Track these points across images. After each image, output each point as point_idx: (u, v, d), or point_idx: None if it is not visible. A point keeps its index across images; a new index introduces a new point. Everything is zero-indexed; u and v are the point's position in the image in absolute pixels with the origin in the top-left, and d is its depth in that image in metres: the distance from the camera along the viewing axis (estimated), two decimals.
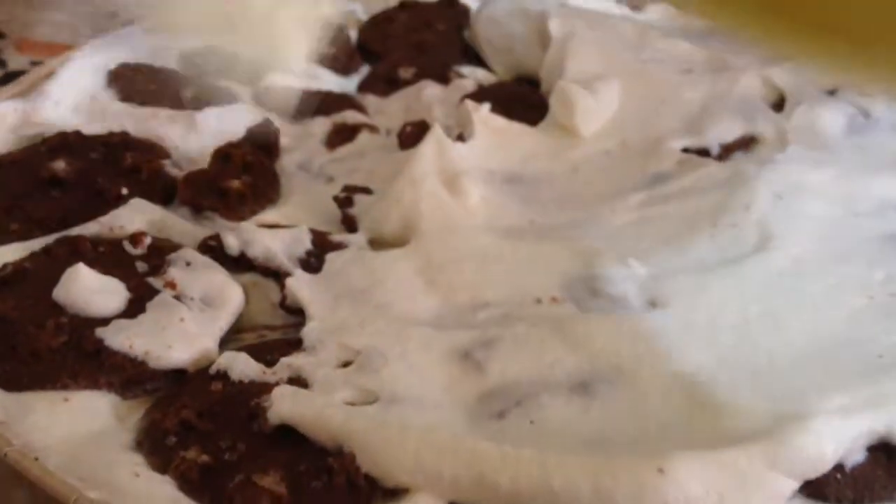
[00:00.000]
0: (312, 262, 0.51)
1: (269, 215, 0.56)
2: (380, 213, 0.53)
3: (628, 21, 0.76)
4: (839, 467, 0.39)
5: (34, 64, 0.89)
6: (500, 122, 0.61)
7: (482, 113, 0.60)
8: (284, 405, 0.41)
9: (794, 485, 0.39)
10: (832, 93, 0.70)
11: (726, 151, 0.63)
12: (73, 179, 0.57)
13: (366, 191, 0.56)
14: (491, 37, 0.75)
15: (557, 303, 0.48)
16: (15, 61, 0.90)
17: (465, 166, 0.56)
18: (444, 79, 0.71)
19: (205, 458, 0.39)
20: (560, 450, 0.38)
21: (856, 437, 0.40)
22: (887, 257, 0.53)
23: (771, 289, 0.48)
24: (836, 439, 0.39)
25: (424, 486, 0.38)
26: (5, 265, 0.49)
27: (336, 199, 0.56)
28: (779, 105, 0.69)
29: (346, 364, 0.45)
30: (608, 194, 0.57)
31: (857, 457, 0.40)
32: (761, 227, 0.53)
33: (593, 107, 0.62)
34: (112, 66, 0.70)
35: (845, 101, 0.69)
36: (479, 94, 0.67)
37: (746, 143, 0.64)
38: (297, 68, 0.70)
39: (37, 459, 0.39)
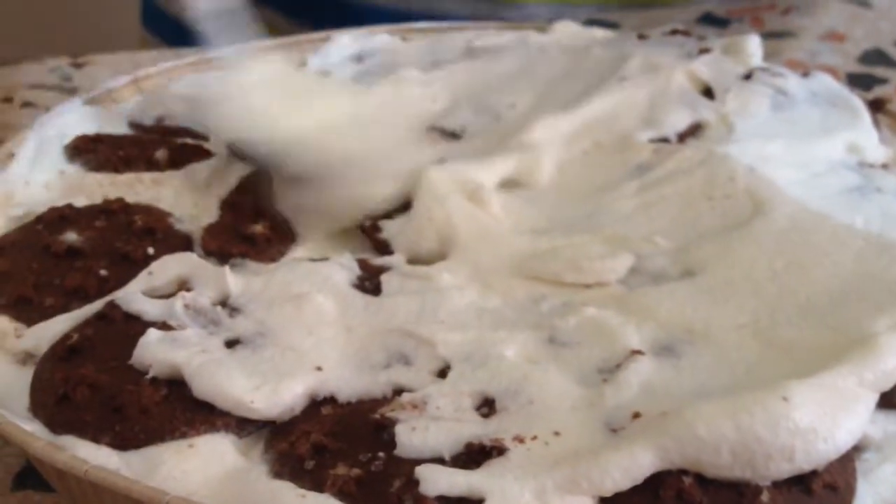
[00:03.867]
0: (367, 286, 0.52)
1: (297, 254, 0.57)
2: (415, 232, 0.55)
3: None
4: None
5: None
6: None
7: None
8: None
9: (875, 397, 0.44)
10: (748, 77, 0.78)
11: (681, 138, 0.69)
12: (90, 248, 0.56)
13: (388, 216, 0.58)
14: None
15: (605, 286, 0.52)
16: None
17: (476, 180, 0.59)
18: None
19: (356, 471, 0.41)
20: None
21: None
22: (856, 206, 0.60)
23: (784, 243, 0.54)
24: None
25: None
26: (69, 335, 0.48)
27: (362, 228, 0.57)
28: (706, 94, 0.76)
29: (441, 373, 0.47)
30: (602, 187, 0.61)
31: None
32: (751, 195, 0.59)
33: None
34: (66, 140, 0.69)
35: (761, 83, 0.77)
36: None
37: (694, 130, 0.70)
38: None
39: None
